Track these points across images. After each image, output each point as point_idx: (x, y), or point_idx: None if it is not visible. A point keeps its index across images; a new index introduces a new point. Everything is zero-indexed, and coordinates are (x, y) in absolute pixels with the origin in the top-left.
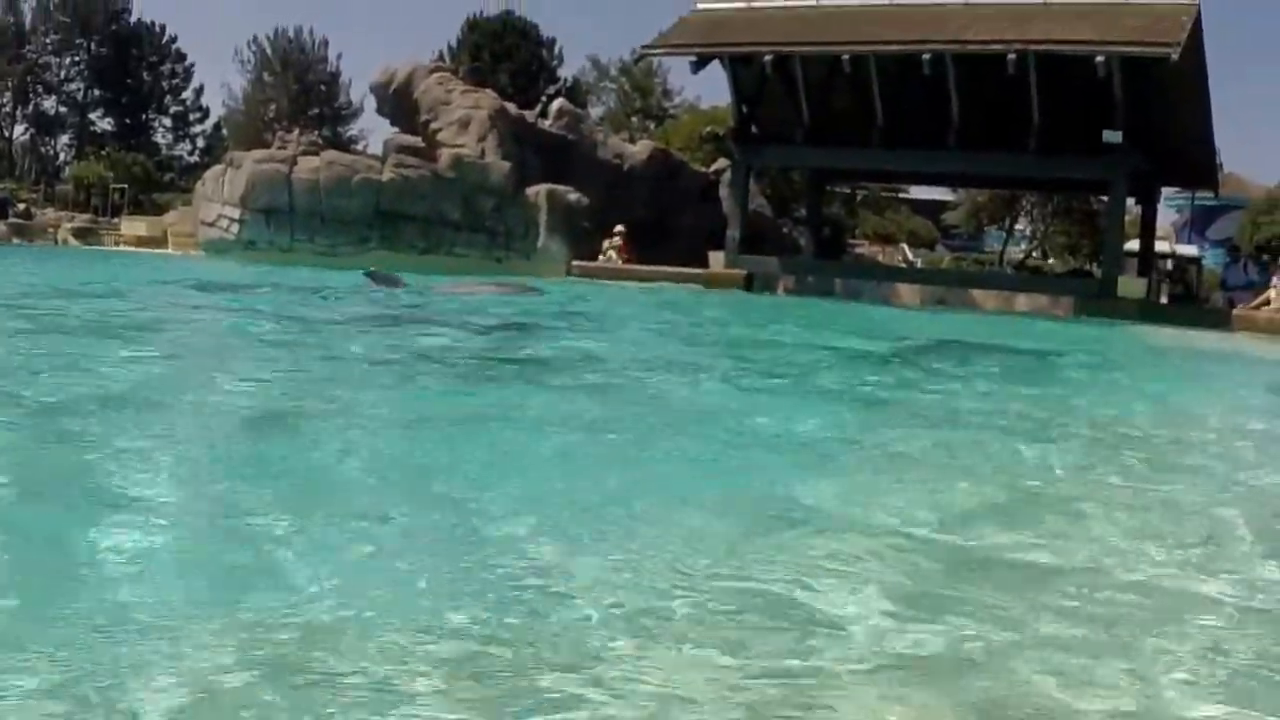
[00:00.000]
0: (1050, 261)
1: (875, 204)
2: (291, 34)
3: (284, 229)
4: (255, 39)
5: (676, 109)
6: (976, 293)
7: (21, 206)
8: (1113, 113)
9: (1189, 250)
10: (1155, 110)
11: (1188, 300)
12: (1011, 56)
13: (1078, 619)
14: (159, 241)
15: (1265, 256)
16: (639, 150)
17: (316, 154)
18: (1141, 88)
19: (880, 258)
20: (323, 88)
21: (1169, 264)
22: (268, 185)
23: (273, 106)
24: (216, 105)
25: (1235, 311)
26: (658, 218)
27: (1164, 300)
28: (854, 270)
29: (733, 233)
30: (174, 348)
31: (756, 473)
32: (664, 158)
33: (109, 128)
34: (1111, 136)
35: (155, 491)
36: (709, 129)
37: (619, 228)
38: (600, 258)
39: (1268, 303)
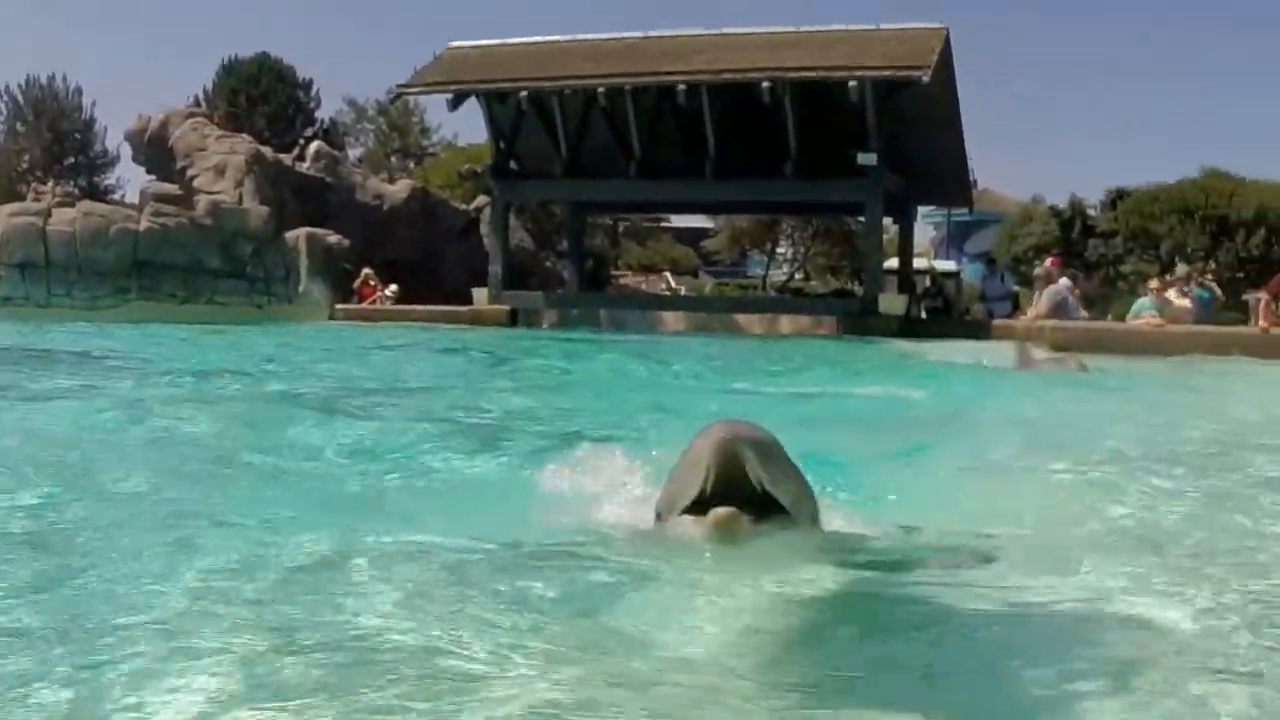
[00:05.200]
0: (812, 283)
1: (637, 234)
2: (44, 81)
3: (40, 283)
4: (6, 88)
5: (435, 147)
6: (741, 317)
7: None
8: (867, 136)
9: (947, 265)
10: (908, 132)
11: (947, 313)
12: (766, 84)
13: None
14: None
15: (1022, 267)
16: (398, 190)
17: (72, 205)
18: (894, 110)
19: (644, 287)
20: (77, 136)
21: (928, 280)
22: (22, 239)
23: (26, 157)
24: None
25: (995, 322)
26: (420, 257)
27: (923, 315)
28: (618, 301)
29: (494, 269)
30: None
31: None
32: (424, 196)
33: None
34: (866, 159)
35: None
36: (467, 166)
37: (365, 270)
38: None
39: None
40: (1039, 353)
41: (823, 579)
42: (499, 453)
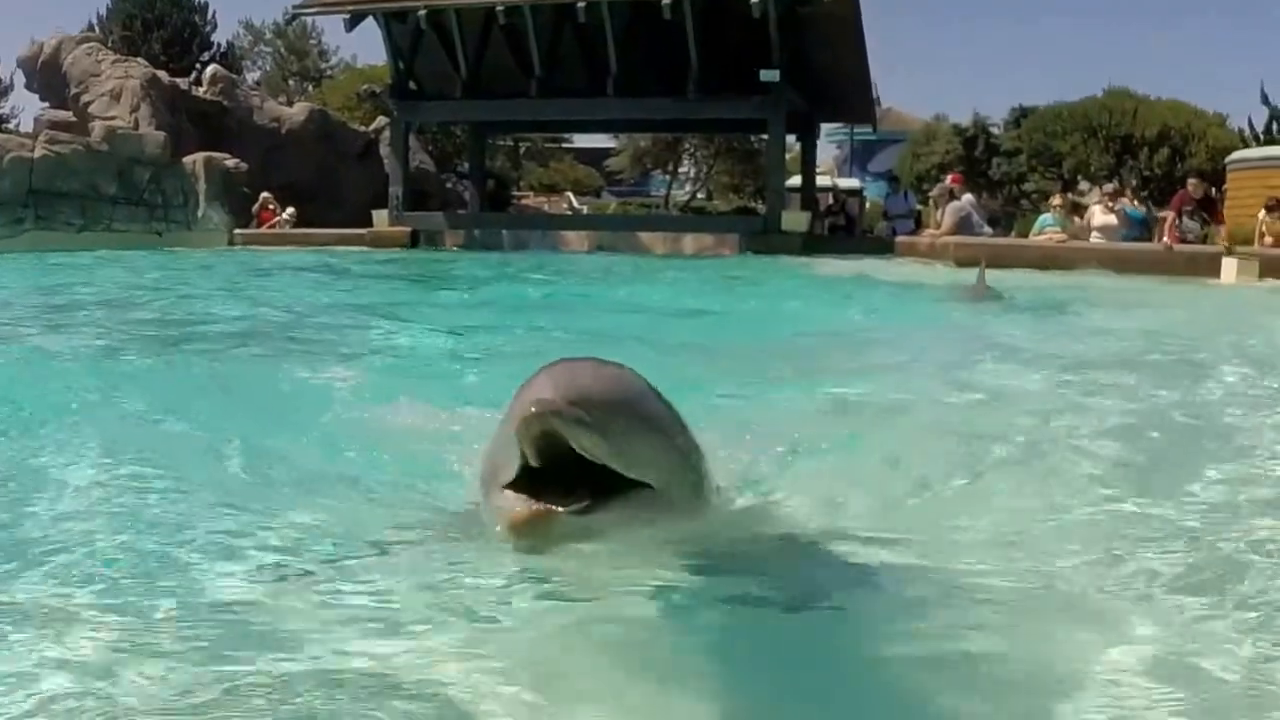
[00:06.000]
0: (715, 202)
1: (539, 155)
2: None
3: None
4: None
5: (334, 70)
6: (644, 236)
7: None
8: (770, 52)
9: (851, 183)
10: (811, 49)
11: (849, 231)
12: (667, 1)
13: None
14: None
15: (925, 185)
16: (296, 113)
17: None
18: (797, 27)
19: (546, 208)
20: None
21: (831, 198)
22: None
23: None
24: None
25: (899, 239)
26: (320, 180)
27: (827, 233)
28: (520, 221)
29: (395, 190)
30: None
31: None
32: (322, 119)
33: None
34: (769, 76)
35: None
36: (366, 87)
37: (264, 194)
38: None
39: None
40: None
41: (656, 593)
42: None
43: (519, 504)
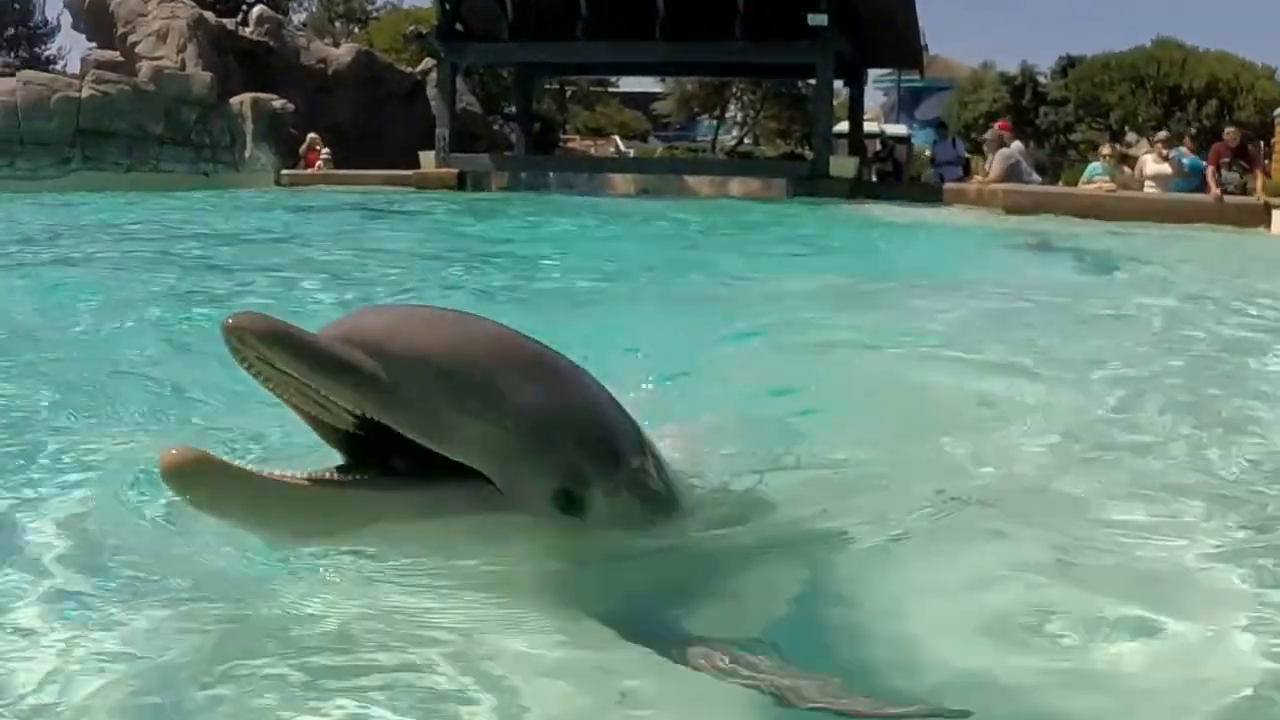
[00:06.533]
0: (761, 147)
1: (585, 99)
2: None
3: None
4: None
5: (379, 11)
6: (690, 179)
7: None
8: None
9: (898, 130)
10: None
11: (897, 177)
12: None
13: None
14: None
15: (972, 133)
16: (343, 54)
17: (12, 74)
18: None
19: (592, 151)
20: (16, 6)
21: (878, 144)
22: None
23: None
24: None
25: (947, 185)
26: (365, 121)
27: (874, 179)
28: (566, 164)
29: (441, 131)
30: None
31: None
32: (368, 60)
33: None
34: (816, 19)
35: None
36: (413, 28)
37: (311, 135)
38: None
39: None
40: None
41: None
42: None
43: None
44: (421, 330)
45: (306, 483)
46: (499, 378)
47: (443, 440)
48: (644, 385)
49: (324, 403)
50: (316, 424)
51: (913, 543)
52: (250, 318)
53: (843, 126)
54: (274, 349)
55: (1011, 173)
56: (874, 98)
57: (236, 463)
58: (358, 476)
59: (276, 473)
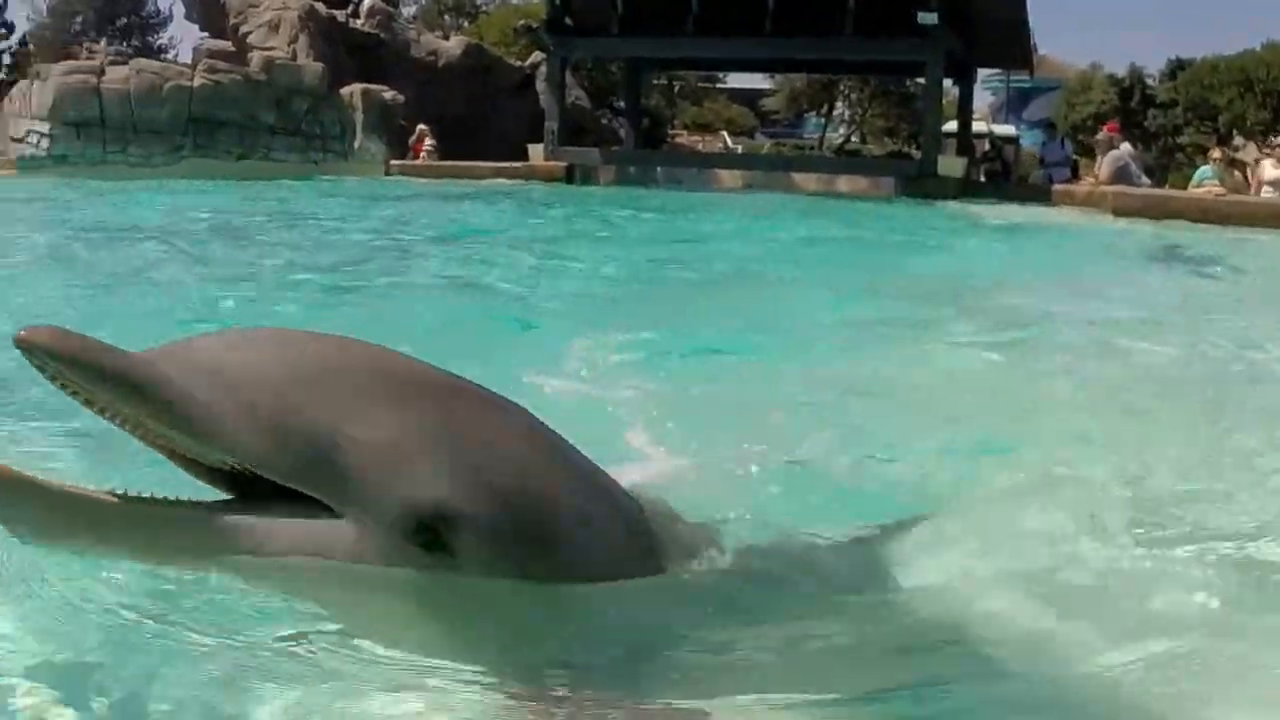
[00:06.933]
0: (868, 146)
1: (693, 94)
2: None
3: (95, 142)
4: None
5: (489, 5)
6: (798, 176)
7: None
8: None
9: (1006, 130)
10: None
11: (1005, 177)
12: None
13: None
14: None
15: (1080, 135)
16: (453, 46)
17: (125, 63)
18: None
19: (700, 147)
20: None
21: (986, 144)
22: (76, 97)
23: (78, 19)
24: (21, 21)
25: (1055, 187)
26: (474, 114)
27: (982, 179)
28: (675, 159)
29: (551, 125)
30: None
31: None
32: (478, 53)
33: None
34: (926, 18)
35: None
36: (523, 21)
37: (420, 126)
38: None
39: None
40: None
41: None
42: None
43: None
44: (253, 350)
45: (113, 501)
46: (339, 401)
47: (266, 466)
48: None
49: (136, 425)
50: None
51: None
52: (40, 331)
53: (951, 126)
54: (67, 365)
55: (1121, 175)
56: (981, 97)
57: (39, 477)
58: (178, 500)
59: (80, 488)
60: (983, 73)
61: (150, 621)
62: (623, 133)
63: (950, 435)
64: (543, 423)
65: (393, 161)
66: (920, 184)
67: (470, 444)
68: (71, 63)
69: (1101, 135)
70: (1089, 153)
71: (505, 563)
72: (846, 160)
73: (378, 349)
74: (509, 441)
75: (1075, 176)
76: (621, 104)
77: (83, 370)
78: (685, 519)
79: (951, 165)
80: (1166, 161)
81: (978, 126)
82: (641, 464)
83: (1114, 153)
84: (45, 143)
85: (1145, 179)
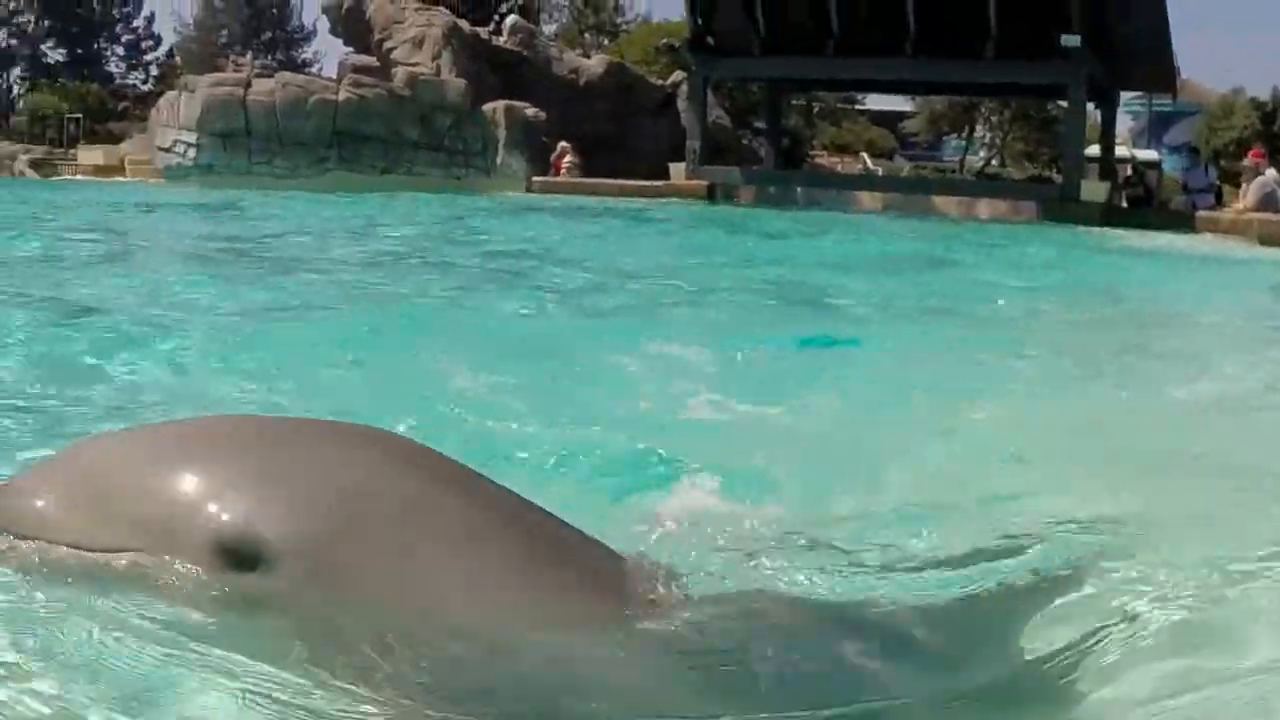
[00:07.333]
0: (1008, 169)
1: (832, 115)
2: None
3: (241, 152)
4: None
5: (629, 24)
6: (938, 199)
7: None
8: (1070, 16)
9: (1149, 155)
10: (1112, 14)
11: (1148, 203)
12: None
13: None
14: (116, 170)
15: (1222, 160)
16: (595, 64)
17: (271, 76)
18: None
19: (839, 168)
20: (274, 11)
21: (1129, 168)
22: (222, 109)
23: (224, 32)
24: (169, 33)
25: (1200, 214)
26: (614, 131)
27: (1124, 204)
28: (815, 180)
29: (692, 143)
30: None
31: None
32: (620, 71)
33: (61, 58)
34: (1069, 40)
35: None
36: (665, 41)
37: (561, 144)
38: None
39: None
40: None
41: None
42: None
43: None
44: (113, 445)
45: None
46: (157, 469)
47: (91, 544)
48: None
49: None
50: None
51: None
52: None
53: (1092, 150)
54: None
55: (1267, 202)
56: (1121, 121)
57: None
58: None
59: None
60: (1123, 96)
61: None
62: (763, 153)
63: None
64: (425, 460)
65: (534, 178)
66: (1062, 208)
67: (286, 482)
68: (219, 75)
69: (1247, 161)
70: (1231, 178)
71: (314, 586)
72: (987, 184)
73: (258, 420)
74: (335, 479)
75: (1219, 203)
76: (761, 124)
77: None
78: (665, 576)
79: (1094, 190)
80: None
81: (1119, 151)
82: None
83: (1260, 179)
84: (192, 152)
85: None
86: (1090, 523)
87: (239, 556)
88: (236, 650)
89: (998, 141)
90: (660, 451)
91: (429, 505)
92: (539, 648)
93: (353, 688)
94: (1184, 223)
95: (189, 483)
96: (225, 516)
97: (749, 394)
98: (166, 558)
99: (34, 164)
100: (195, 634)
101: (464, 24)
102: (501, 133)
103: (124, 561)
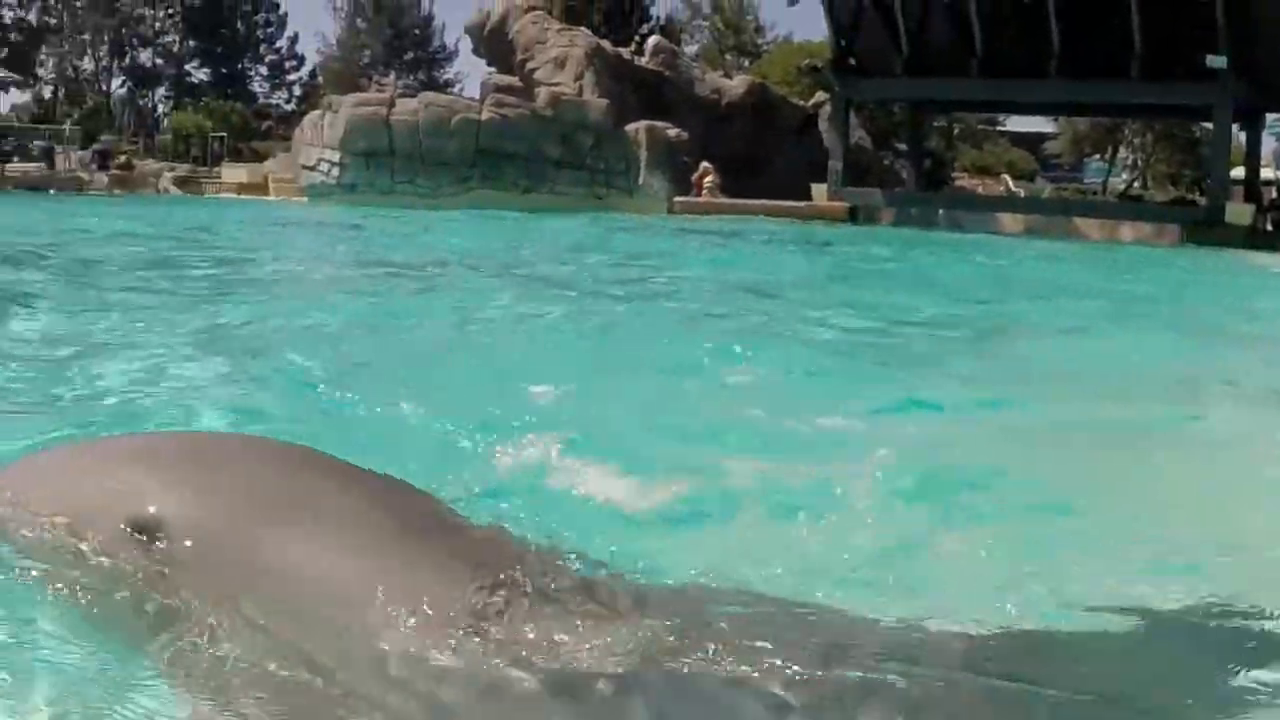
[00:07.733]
0: (1150, 191)
1: (972, 136)
2: None
3: (384, 171)
4: None
5: (769, 45)
6: (1080, 222)
7: (122, 158)
8: (1216, 37)
9: None
10: (1259, 35)
11: None
12: None
13: None
14: (260, 188)
15: None
16: (737, 85)
17: (414, 96)
18: (1244, 10)
19: (980, 190)
20: (416, 32)
21: (1275, 191)
22: (366, 128)
23: (367, 52)
24: (311, 53)
25: None
26: (755, 152)
27: (1269, 228)
28: (957, 201)
29: (835, 164)
30: None
31: None
32: (762, 92)
33: (205, 78)
34: (1215, 61)
35: None
36: (808, 61)
37: (703, 164)
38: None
39: None
40: None
41: None
42: None
43: None
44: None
45: None
46: (89, 470)
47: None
48: None
49: None
50: None
51: None
52: None
53: (1237, 172)
54: None
55: None
56: (1266, 143)
57: None
58: None
59: None
60: (1269, 118)
61: None
62: (905, 174)
63: None
64: (331, 468)
65: (676, 198)
66: (1207, 231)
67: (188, 478)
68: (363, 94)
69: None
70: None
71: (214, 561)
72: (1130, 206)
73: (190, 435)
74: (226, 476)
75: None
76: (903, 145)
77: None
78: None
79: (1239, 213)
80: None
81: (1265, 173)
82: None
83: None
84: (335, 171)
85: None
86: None
87: (145, 529)
88: (137, 602)
89: (1140, 163)
90: None
91: (302, 494)
92: (394, 606)
93: (224, 637)
94: None
95: (119, 475)
96: (139, 499)
97: None
98: (93, 527)
99: (178, 182)
100: (101, 588)
101: (606, 44)
102: (643, 153)
103: (61, 524)
